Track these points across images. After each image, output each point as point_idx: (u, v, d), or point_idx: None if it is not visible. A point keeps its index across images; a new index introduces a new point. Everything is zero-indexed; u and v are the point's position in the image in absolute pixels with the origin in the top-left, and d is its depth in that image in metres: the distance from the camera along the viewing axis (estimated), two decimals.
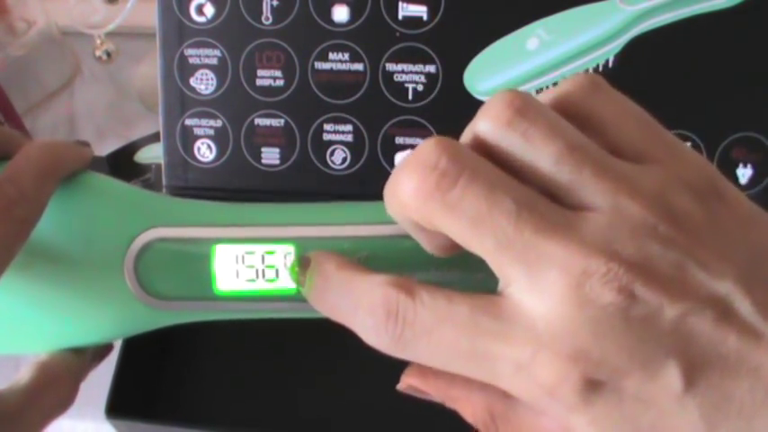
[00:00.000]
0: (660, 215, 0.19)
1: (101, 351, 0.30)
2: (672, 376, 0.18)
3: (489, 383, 0.20)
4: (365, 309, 0.21)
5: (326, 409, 0.47)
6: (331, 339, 0.50)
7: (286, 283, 0.26)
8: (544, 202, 0.19)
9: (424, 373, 0.24)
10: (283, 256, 0.26)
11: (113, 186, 0.27)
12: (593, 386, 0.18)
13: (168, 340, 0.50)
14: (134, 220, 0.26)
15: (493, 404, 0.23)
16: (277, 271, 0.26)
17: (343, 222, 0.25)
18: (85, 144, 0.28)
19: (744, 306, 0.18)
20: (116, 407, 0.42)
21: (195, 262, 0.26)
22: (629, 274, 0.18)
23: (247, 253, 0.26)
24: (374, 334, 0.21)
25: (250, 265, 0.26)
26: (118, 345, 0.44)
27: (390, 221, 0.24)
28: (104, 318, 0.26)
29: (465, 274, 0.25)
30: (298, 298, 0.26)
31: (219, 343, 0.50)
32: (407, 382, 0.25)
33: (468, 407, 0.24)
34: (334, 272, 0.22)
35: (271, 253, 0.26)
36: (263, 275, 0.26)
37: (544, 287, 0.18)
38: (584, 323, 0.18)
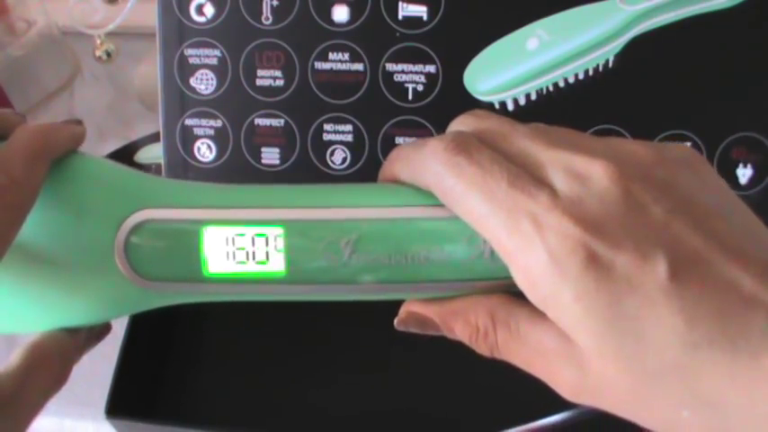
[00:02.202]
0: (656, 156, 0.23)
1: (97, 332, 0.29)
2: (659, 264, 0.20)
3: (492, 290, 0.24)
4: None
5: (326, 409, 0.47)
6: (331, 339, 0.50)
7: (276, 265, 0.26)
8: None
9: (424, 300, 0.26)
10: (273, 238, 0.25)
11: (104, 167, 0.27)
12: (590, 256, 0.20)
13: (168, 340, 0.50)
14: (124, 202, 0.26)
15: (496, 309, 0.24)
16: (267, 253, 0.26)
17: (332, 205, 0.26)
18: (78, 122, 0.28)
19: (723, 227, 0.21)
20: (116, 407, 0.42)
21: (185, 244, 0.26)
22: (631, 177, 0.21)
23: (237, 235, 0.26)
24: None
25: (240, 248, 0.26)
26: (118, 345, 0.44)
27: (378, 204, 0.25)
28: (95, 299, 0.26)
29: (455, 254, 0.25)
30: (287, 280, 0.26)
31: (219, 343, 0.50)
32: (408, 309, 0.26)
33: (469, 316, 0.25)
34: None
35: (261, 235, 0.26)
36: (254, 257, 0.26)
37: (561, 179, 0.22)
38: (592, 198, 0.21)
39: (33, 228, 0.25)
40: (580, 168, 0.22)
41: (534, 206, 0.21)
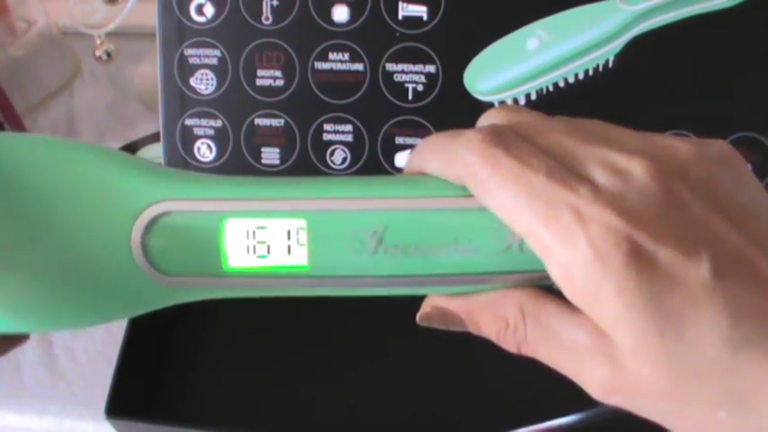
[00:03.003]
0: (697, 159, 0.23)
1: (12, 339, 0.28)
2: (703, 261, 0.20)
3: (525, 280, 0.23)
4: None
5: (327, 409, 0.47)
6: (331, 339, 0.50)
7: (298, 259, 0.25)
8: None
9: (448, 295, 0.25)
10: (296, 231, 0.25)
11: (120, 159, 0.26)
12: (634, 248, 0.20)
13: (168, 340, 0.50)
14: (140, 193, 0.25)
15: (526, 302, 0.23)
16: (289, 247, 0.25)
17: (357, 196, 0.25)
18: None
19: (762, 226, 0.21)
20: (116, 407, 0.42)
21: (204, 237, 0.25)
22: (670, 174, 0.22)
23: (258, 228, 0.25)
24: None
25: (261, 241, 0.25)
26: (118, 345, 0.44)
27: (405, 195, 0.24)
28: (111, 296, 0.25)
29: (483, 246, 0.24)
30: (310, 274, 0.25)
31: (220, 343, 0.50)
32: (432, 304, 0.25)
33: (497, 310, 0.24)
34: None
35: (283, 228, 0.25)
36: (276, 251, 0.25)
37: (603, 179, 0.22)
38: (633, 194, 0.21)
39: (48, 218, 0.25)
40: (619, 164, 0.22)
41: (575, 199, 0.21)
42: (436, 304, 0.25)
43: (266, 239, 0.25)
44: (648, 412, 0.21)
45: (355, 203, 0.25)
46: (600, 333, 0.21)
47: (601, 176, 0.22)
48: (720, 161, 0.23)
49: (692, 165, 0.22)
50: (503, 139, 0.23)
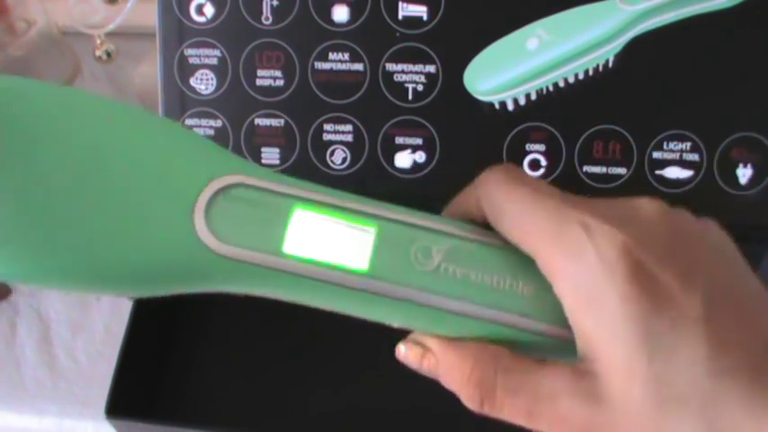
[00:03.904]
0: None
1: None
2: (698, 292, 0.21)
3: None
4: None
5: (327, 410, 0.47)
6: (332, 339, 0.50)
7: (359, 262, 0.25)
8: None
9: (431, 335, 0.26)
10: (362, 233, 0.25)
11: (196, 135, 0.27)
12: (638, 263, 0.22)
13: (168, 340, 0.50)
14: (219, 162, 0.25)
15: (502, 353, 0.24)
16: (353, 248, 0.25)
17: (427, 217, 0.26)
18: None
19: (748, 271, 0.23)
20: (116, 407, 0.42)
21: (271, 216, 0.25)
22: (675, 214, 0.24)
23: (326, 222, 0.25)
24: None
25: (326, 236, 0.25)
26: (118, 345, 0.44)
27: (471, 228, 0.26)
28: (160, 257, 0.24)
29: (534, 286, 0.25)
30: (366, 276, 0.25)
31: (219, 343, 0.50)
32: (414, 337, 0.26)
33: (477, 354, 0.25)
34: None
35: (351, 229, 0.25)
36: (337, 249, 0.25)
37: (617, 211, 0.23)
38: (639, 223, 0.23)
39: (114, 168, 0.24)
40: (626, 202, 0.24)
41: (584, 216, 0.23)
42: (417, 339, 0.26)
43: (331, 236, 0.25)
44: None
45: (425, 221, 0.26)
46: (580, 374, 0.22)
47: (608, 208, 0.23)
48: (704, 225, 0.24)
49: (688, 215, 0.24)
50: (518, 172, 0.25)
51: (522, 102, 0.44)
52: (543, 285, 0.24)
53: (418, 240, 0.25)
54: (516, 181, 0.25)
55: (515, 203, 0.24)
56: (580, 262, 0.22)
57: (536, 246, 0.23)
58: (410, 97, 0.45)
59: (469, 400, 0.25)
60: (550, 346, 0.25)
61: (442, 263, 0.25)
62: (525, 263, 0.25)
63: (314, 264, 0.25)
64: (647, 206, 0.23)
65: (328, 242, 0.25)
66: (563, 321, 0.24)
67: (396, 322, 0.26)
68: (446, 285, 0.25)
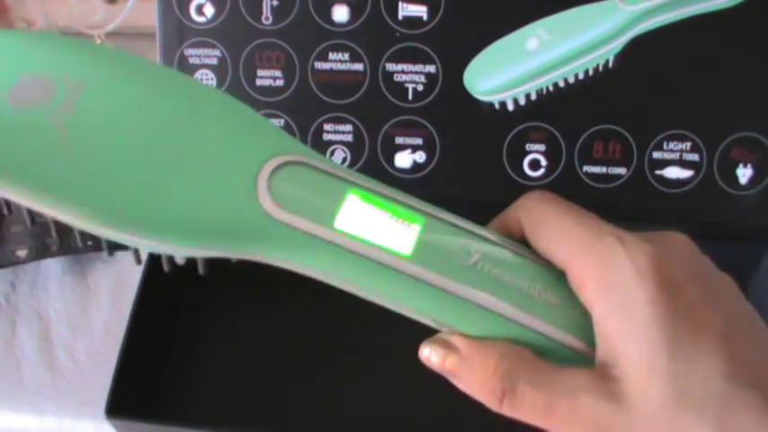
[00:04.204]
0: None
1: None
2: (718, 318, 0.23)
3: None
4: None
5: (326, 410, 0.47)
6: (332, 340, 0.50)
7: (403, 247, 0.27)
8: None
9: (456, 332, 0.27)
10: (409, 226, 0.27)
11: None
12: (667, 273, 0.23)
13: (168, 340, 0.50)
14: (287, 142, 0.28)
15: (525, 352, 0.25)
16: (399, 235, 0.27)
17: (470, 222, 0.28)
18: None
19: (751, 306, 0.25)
20: (116, 407, 0.42)
21: (328, 195, 0.27)
22: (697, 249, 0.25)
23: (377, 210, 0.27)
24: None
25: (375, 222, 0.27)
26: (118, 345, 0.44)
27: (509, 240, 0.28)
28: (228, 211, 0.27)
29: (561, 297, 0.27)
30: (409, 260, 0.27)
31: (219, 343, 0.50)
32: (439, 336, 0.27)
33: (502, 351, 0.26)
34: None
35: (400, 219, 0.28)
36: (384, 232, 0.27)
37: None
38: (669, 248, 0.24)
39: (186, 125, 0.27)
40: (657, 232, 0.25)
41: (618, 231, 0.25)
42: (443, 337, 0.27)
43: (380, 223, 0.27)
44: None
45: (469, 225, 0.28)
46: (601, 375, 0.23)
47: (640, 233, 0.25)
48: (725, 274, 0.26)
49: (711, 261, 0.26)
50: (556, 195, 0.27)
51: (522, 102, 0.44)
52: (570, 299, 0.26)
53: (459, 239, 0.27)
54: (555, 200, 0.27)
55: (554, 217, 0.26)
56: (611, 266, 0.24)
57: (570, 255, 0.25)
58: (410, 97, 0.45)
59: (491, 395, 0.25)
60: (568, 356, 0.26)
61: (479, 261, 0.27)
62: (556, 277, 0.27)
63: (361, 241, 0.27)
64: (676, 236, 0.25)
65: (377, 227, 0.27)
66: (584, 335, 0.25)
67: (427, 316, 0.27)
68: (480, 280, 0.27)
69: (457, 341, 0.27)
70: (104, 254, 0.54)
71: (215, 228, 0.27)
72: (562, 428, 0.24)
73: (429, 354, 0.27)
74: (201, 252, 0.28)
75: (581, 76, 0.43)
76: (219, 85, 0.46)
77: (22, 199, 0.25)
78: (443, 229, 0.28)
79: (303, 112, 0.45)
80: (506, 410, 0.25)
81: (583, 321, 0.25)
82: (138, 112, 0.27)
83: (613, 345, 0.23)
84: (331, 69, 0.45)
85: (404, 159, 0.45)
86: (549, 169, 0.44)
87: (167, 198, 0.26)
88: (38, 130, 0.26)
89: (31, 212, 0.52)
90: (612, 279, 0.24)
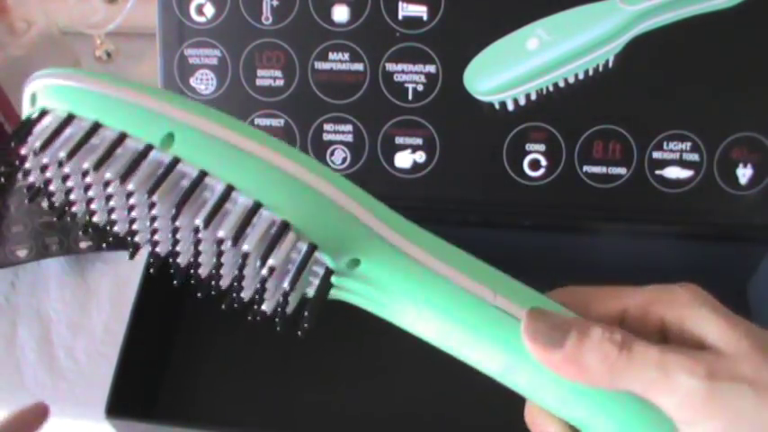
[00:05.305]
0: None
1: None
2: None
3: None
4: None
5: (326, 410, 0.47)
6: (332, 340, 0.50)
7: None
8: None
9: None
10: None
11: None
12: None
13: (168, 340, 0.50)
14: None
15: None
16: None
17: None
18: (38, 406, 0.35)
19: None
20: (116, 407, 0.42)
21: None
22: None
23: None
24: None
25: None
26: (118, 345, 0.44)
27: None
28: None
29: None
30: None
31: (219, 343, 0.50)
32: (538, 308, 0.26)
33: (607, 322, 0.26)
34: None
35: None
36: None
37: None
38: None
39: None
40: None
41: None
42: (544, 309, 0.26)
43: None
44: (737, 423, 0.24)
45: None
46: (690, 351, 0.24)
47: None
48: None
49: None
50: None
51: (522, 102, 0.44)
52: None
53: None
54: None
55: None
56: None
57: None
58: (410, 97, 0.45)
59: (596, 370, 0.25)
60: None
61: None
62: None
63: None
64: None
65: None
66: None
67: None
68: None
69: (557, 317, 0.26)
70: (104, 254, 0.54)
71: None
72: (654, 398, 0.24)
73: (535, 329, 0.26)
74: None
75: (581, 76, 0.43)
76: (220, 85, 0.46)
77: None
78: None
79: (303, 112, 0.45)
80: (623, 360, 0.25)
81: None
82: None
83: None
84: (331, 69, 0.45)
85: (404, 159, 0.45)
86: (549, 169, 0.44)
87: None
88: None
89: (31, 212, 0.52)
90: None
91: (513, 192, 0.45)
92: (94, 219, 0.28)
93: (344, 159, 0.45)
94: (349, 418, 0.47)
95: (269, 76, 0.45)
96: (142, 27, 0.62)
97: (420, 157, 0.45)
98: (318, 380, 0.49)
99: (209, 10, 0.45)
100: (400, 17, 0.44)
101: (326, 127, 0.45)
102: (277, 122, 0.45)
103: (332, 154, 0.45)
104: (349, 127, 0.45)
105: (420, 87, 0.44)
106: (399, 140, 0.45)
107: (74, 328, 0.52)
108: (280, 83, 0.45)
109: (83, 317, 0.53)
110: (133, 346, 0.45)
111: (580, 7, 0.43)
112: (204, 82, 0.46)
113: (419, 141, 0.45)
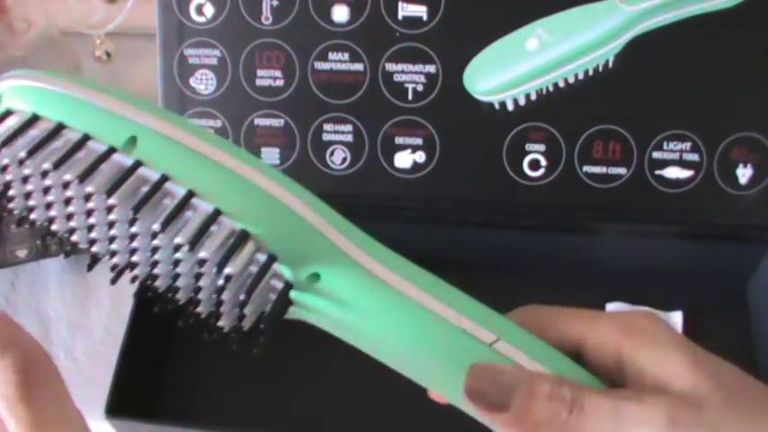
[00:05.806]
0: None
1: None
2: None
3: None
4: None
5: (326, 410, 0.47)
6: (332, 340, 0.50)
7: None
8: None
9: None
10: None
11: None
12: None
13: (168, 340, 0.50)
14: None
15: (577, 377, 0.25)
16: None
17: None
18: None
19: None
20: (116, 407, 0.42)
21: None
22: None
23: None
24: None
25: None
26: (118, 345, 0.44)
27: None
28: None
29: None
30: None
31: (219, 343, 0.50)
32: (481, 365, 0.26)
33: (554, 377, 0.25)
34: None
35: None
36: None
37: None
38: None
39: None
40: None
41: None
42: (487, 365, 0.26)
43: None
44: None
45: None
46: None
47: None
48: None
49: None
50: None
51: (522, 102, 0.44)
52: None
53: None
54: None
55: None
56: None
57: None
58: (410, 97, 0.45)
59: (561, 402, 0.24)
60: None
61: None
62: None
63: None
64: None
65: None
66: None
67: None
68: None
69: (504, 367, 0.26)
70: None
71: None
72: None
73: (479, 390, 0.26)
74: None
75: (581, 76, 0.43)
76: (220, 85, 0.46)
77: None
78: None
79: (303, 112, 0.45)
80: (573, 419, 0.23)
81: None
82: None
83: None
84: (331, 69, 0.45)
85: (404, 159, 0.45)
86: (549, 169, 0.44)
87: None
88: None
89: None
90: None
91: (512, 192, 0.45)
92: (53, 227, 0.27)
93: (344, 159, 0.45)
94: (349, 418, 0.47)
95: (269, 76, 0.45)
96: (142, 27, 0.61)
97: (420, 157, 0.45)
98: (318, 380, 0.49)
99: (209, 10, 0.45)
100: (400, 17, 0.44)
101: (326, 127, 0.45)
102: (277, 122, 0.45)
103: (332, 154, 0.45)
104: (349, 127, 0.45)
105: (420, 87, 0.44)
106: (399, 140, 0.45)
107: (73, 327, 0.52)
108: (280, 83, 0.45)
109: (82, 317, 0.53)
110: (133, 346, 0.45)
111: (580, 7, 0.43)
112: (204, 82, 0.46)
113: (419, 141, 0.45)
